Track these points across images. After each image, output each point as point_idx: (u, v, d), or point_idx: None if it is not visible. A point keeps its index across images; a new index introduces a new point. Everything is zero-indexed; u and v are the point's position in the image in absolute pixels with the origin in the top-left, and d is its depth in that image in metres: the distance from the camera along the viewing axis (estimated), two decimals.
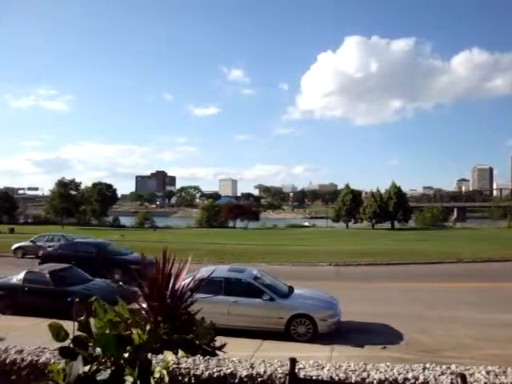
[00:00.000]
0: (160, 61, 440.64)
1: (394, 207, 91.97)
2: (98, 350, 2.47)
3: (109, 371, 2.39)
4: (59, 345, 2.59)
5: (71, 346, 2.47)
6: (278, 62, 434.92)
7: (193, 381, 2.91)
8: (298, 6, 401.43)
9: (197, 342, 4.87)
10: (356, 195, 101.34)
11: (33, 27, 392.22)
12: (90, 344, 2.49)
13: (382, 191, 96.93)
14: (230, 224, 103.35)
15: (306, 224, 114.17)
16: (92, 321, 2.56)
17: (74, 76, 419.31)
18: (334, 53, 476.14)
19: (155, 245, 30.41)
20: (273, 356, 4.07)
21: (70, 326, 2.81)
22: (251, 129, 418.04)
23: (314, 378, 2.81)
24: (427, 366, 2.91)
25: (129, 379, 2.34)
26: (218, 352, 4.89)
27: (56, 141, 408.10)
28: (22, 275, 13.68)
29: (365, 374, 2.86)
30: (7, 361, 3.18)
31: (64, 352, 2.45)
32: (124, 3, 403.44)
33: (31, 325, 10.83)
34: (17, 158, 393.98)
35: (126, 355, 2.43)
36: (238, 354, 3.60)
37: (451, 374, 2.76)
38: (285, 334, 11.04)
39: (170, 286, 5.41)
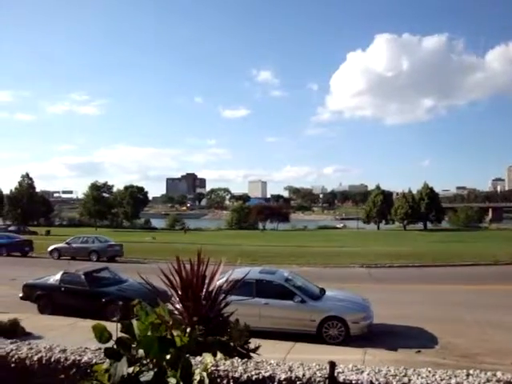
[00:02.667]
0: (190, 63, 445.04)
1: (426, 208, 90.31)
2: (141, 351, 2.52)
3: (152, 373, 2.43)
4: (98, 345, 2.64)
5: (115, 347, 2.52)
6: (306, 63, 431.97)
7: (231, 383, 2.92)
8: (327, 4, 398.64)
9: (231, 343, 4.89)
10: (387, 196, 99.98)
11: (64, 35, 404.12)
12: (133, 345, 2.54)
13: (414, 192, 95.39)
14: (260, 226, 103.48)
15: (339, 226, 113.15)
16: (135, 323, 2.61)
17: (105, 81, 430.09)
18: (363, 51, 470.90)
19: (187, 246, 30.78)
20: (305, 358, 4.03)
21: (109, 327, 2.86)
22: (281, 130, 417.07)
23: (353, 382, 2.78)
24: (471, 372, 2.82)
25: (172, 381, 2.38)
26: (252, 354, 4.89)
27: (89, 145, 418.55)
28: (58, 276, 14.04)
29: (406, 380, 2.80)
30: (52, 359, 3.29)
31: (109, 353, 2.51)
32: (154, 6, 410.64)
33: (67, 324, 11.12)
34: (52, 162, 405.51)
35: (168, 357, 2.47)
36: (270, 356, 3.59)
37: (497, 381, 2.66)
38: (316, 336, 10.94)
39: (205, 287, 5.45)
